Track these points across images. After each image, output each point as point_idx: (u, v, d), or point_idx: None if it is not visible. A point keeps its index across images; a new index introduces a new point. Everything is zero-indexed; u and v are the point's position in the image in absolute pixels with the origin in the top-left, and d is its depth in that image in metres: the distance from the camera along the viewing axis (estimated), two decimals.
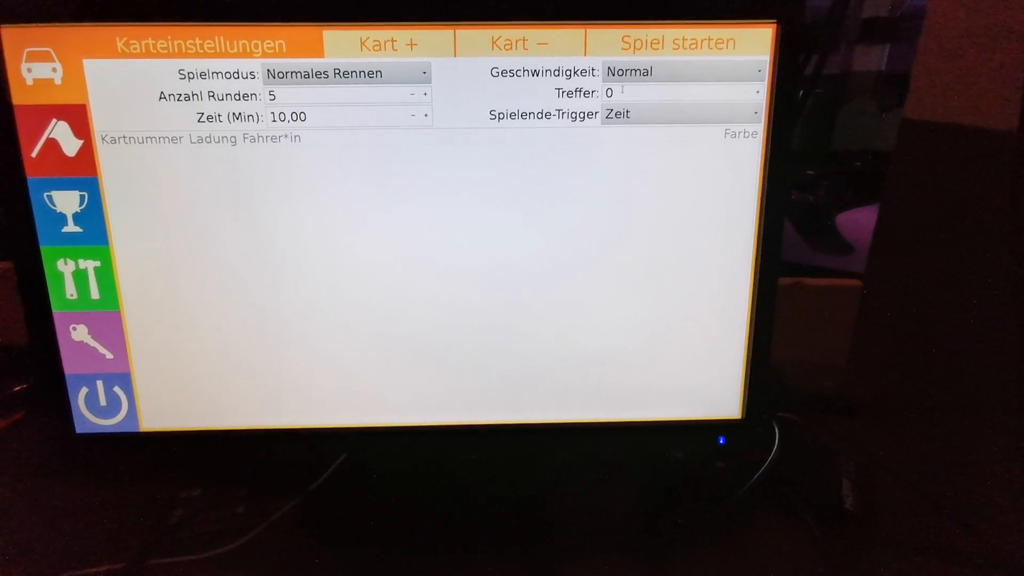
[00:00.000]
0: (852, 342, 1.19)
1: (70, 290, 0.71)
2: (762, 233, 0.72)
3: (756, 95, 0.68)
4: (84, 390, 0.74)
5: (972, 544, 0.84)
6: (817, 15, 0.89)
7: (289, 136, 0.68)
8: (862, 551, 0.83)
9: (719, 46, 0.67)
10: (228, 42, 0.65)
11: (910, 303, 1.03)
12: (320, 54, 0.66)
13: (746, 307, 0.75)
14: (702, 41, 0.66)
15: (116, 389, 0.74)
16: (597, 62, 0.67)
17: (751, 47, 0.67)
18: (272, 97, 0.67)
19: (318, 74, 0.66)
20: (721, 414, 0.79)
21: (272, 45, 0.65)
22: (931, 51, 0.98)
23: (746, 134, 0.69)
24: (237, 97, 0.67)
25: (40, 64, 0.65)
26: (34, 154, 0.67)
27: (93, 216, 0.69)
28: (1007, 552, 0.81)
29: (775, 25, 0.66)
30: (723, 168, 0.70)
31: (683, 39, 0.66)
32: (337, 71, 0.66)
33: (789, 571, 0.81)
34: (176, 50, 0.65)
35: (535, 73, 0.67)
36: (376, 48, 0.66)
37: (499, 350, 0.76)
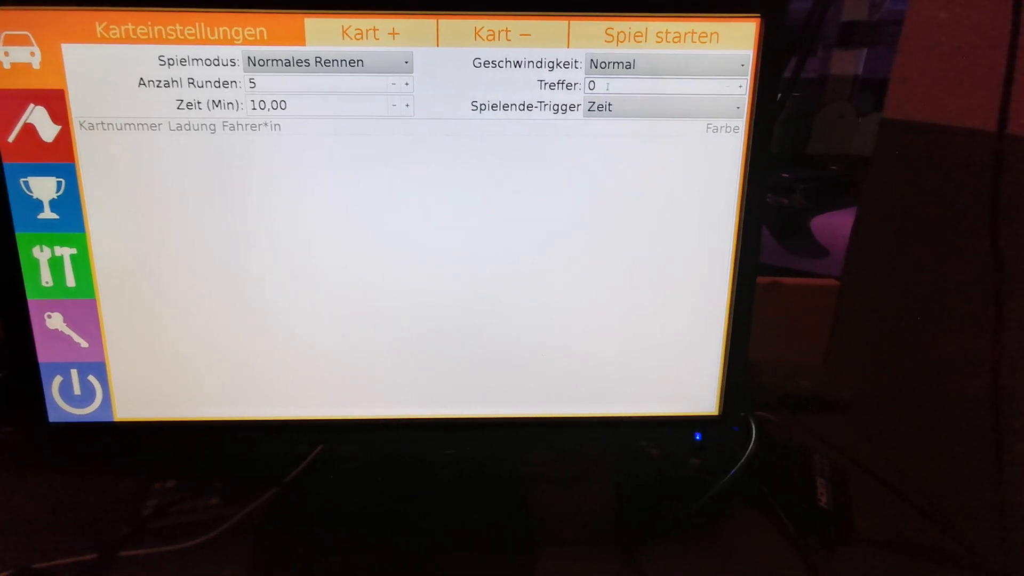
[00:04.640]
0: (829, 341, 1.20)
1: (45, 277, 0.70)
2: (742, 229, 0.72)
3: (739, 90, 0.68)
4: (58, 379, 0.73)
5: (947, 542, 0.84)
6: (802, 11, 0.89)
7: (269, 124, 0.67)
8: (836, 549, 0.83)
9: (702, 40, 0.67)
10: (209, 28, 0.65)
11: (887, 303, 1.04)
12: (302, 42, 0.65)
13: (725, 302, 0.75)
14: (685, 34, 0.66)
15: (91, 378, 0.74)
16: (580, 54, 0.67)
17: (735, 41, 0.67)
18: (252, 85, 0.66)
19: (299, 62, 0.66)
20: (698, 410, 0.79)
21: (253, 32, 0.65)
22: (911, 52, 0.98)
23: (728, 129, 0.69)
24: (217, 84, 0.66)
25: (18, 48, 0.64)
26: (11, 139, 0.66)
27: (70, 203, 0.68)
28: (982, 550, 0.81)
29: (759, 19, 0.66)
30: (704, 163, 0.70)
31: (666, 32, 0.66)
32: (318, 59, 0.66)
33: (764, 568, 0.81)
34: (156, 36, 0.65)
35: (517, 64, 0.67)
36: (358, 37, 0.65)
37: (478, 344, 0.75)
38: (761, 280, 1.15)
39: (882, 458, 0.98)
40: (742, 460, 0.86)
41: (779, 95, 0.70)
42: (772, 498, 0.88)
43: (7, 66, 0.64)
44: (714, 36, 0.67)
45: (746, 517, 0.88)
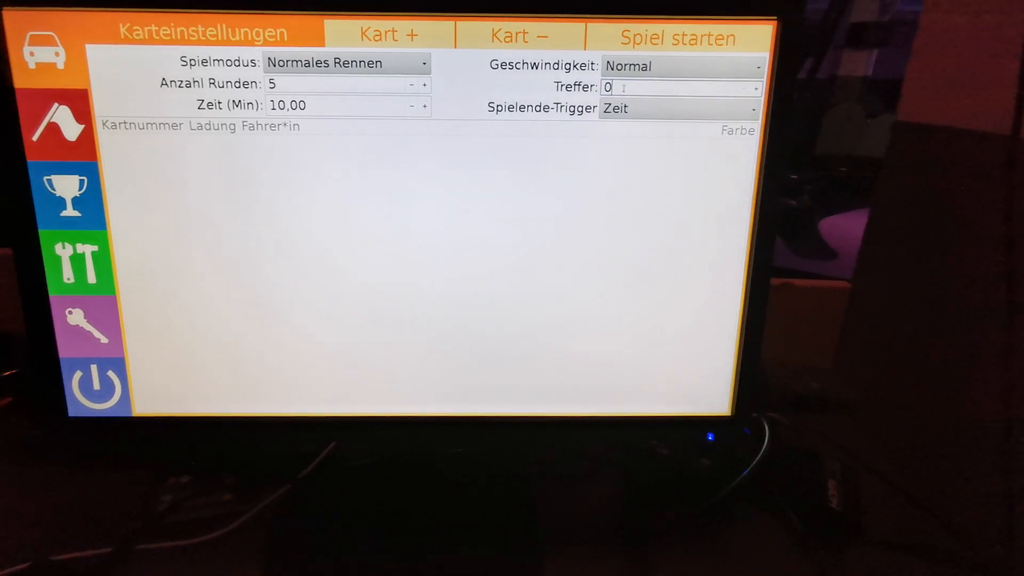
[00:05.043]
0: (839, 343, 1.20)
1: (67, 274, 0.71)
2: (756, 231, 0.73)
3: (755, 92, 0.69)
4: (78, 374, 0.74)
5: (955, 544, 0.84)
6: (818, 13, 0.90)
7: (288, 124, 0.68)
8: (847, 550, 0.83)
9: (719, 42, 0.67)
10: (230, 30, 0.66)
11: (898, 305, 1.04)
12: (321, 43, 0.66)
13: (738, 304, 0.75)
14: (702, 37, 0.67)
15: (110, 373, 0.74)
16: (596, 56, 0.67)
17: (751, 44, 0.67)
18: (272, 85, 0.67)
19: (318, 63, 0.67)
20: (711, 410, 0.79)
21: (274, 33, 0.66)
22: (925, 56, 0.98)
23: (743, 131, 0.70)
24: (238, 84, 0.67)
25: (43, 48, 0.65)
26: (35, 138, 0.67)
27: (92, 201, 0.69)
28: (990, 552, 0.82)
29: (776, 22, 0.67)
30: (719, 165, 0.71)
31: (683, 34, 0.67)
32: (337, 60, 0.67)
33: (774, 569, 0.82)
34: (178, 37, 0.65)
35: (534, 66, 0.67)
36: (377, 38, 0.66)
37: (493, 343, 0.76)
38: (772, 282, 1.15)
39: (891, 460, 0.99)
40: (756, 460, 0.86)
41: (798, 96, 0.70)
42: (782, 499, 0.88)
43: (32, 66, 0.65)
44: (731, 39, 0.67)
45: (756, 518, 0.88)
